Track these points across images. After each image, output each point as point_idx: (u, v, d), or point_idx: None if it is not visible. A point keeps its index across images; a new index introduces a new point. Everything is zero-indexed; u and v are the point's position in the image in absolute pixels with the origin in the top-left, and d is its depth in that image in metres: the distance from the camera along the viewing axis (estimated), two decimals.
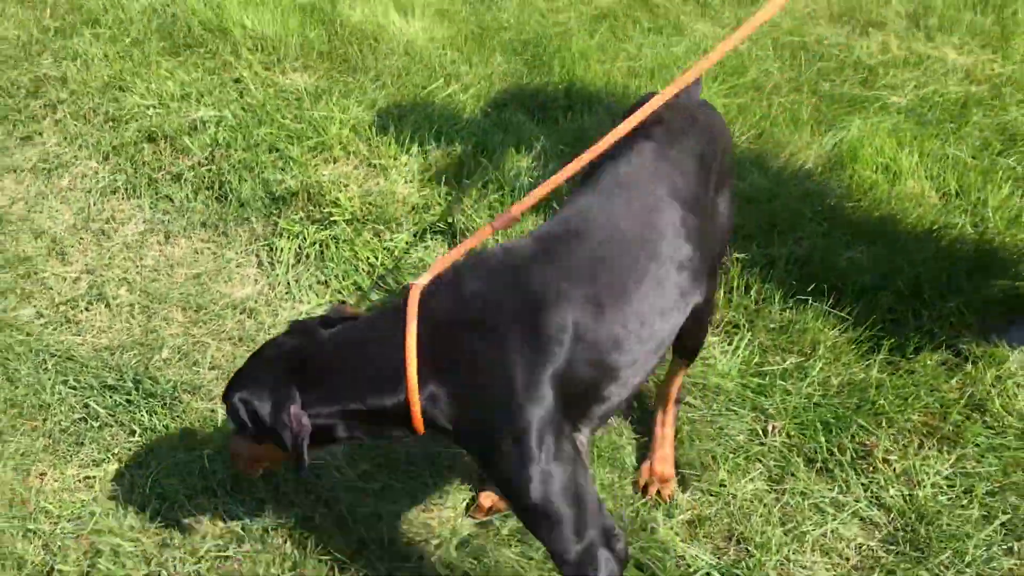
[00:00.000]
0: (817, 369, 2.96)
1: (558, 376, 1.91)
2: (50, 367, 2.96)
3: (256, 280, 3.40)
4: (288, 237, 3.48)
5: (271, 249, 3.49)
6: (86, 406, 2.82)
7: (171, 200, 3.73)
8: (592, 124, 3.98)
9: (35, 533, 2.46)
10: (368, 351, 1.99)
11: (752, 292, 3.22)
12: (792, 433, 2.80)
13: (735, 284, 3.24)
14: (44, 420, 2.80)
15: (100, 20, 4.76)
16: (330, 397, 1.97)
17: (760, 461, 2.73)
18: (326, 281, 3.38)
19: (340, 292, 3.35)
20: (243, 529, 2.47)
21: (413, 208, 3.55)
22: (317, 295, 3.34)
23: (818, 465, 2.72)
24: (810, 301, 3.15)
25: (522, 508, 1.95)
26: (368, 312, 2.56)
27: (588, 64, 4.36)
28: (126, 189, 3.78)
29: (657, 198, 2.15)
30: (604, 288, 2.00)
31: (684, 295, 2.14)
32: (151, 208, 3.71)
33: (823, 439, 2.76)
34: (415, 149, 3.80)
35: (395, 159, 3.77)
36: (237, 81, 4.28)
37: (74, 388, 2.88)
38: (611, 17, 4.81)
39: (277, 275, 3.39)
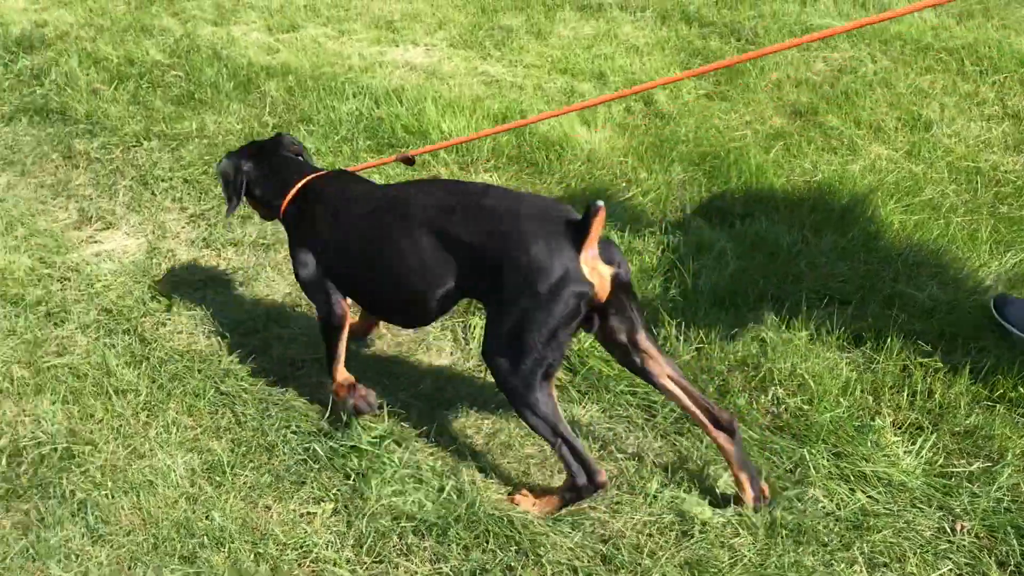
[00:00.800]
0: (1006, 475, 2.97)
1: (318, 246, 3.16)
2: (273, 414, 3.25)
3: (451, 352, 3.66)
4: (481, 316, 3.74)
5: (465, 326, 3.75)
6: (307, 448, 3.08)
7: None
8: (770, 229, 4.16)
9: (263, 556, 2.70)
10: (288, 169, 3.44)
11: (936, 396, 3.27)
12: (981, 534, 2.81)
13: (918, 388, 3.30)
14: (269, 458, 3.07)
15: (313, 119, 5.30)
16: (262, 173, 3.46)
17: (949, 558, 2.74)
18: None
19: None
20: (452, 571, 2.64)
21: None
22: None
23: (1011, 568, 2.71)
24: (998, 408, 3.18)
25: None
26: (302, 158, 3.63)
27: (765, 176, 4.57)
28: None
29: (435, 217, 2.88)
30: (359, 228, 3.04)
31: (423, 270, 2.86)
32: None
33: (1015, 543, 2.75)
34: None
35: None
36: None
37: (295, 433, 3.15)
38: (785, 136, 5.02)
39: (470, 349, 3.64)
